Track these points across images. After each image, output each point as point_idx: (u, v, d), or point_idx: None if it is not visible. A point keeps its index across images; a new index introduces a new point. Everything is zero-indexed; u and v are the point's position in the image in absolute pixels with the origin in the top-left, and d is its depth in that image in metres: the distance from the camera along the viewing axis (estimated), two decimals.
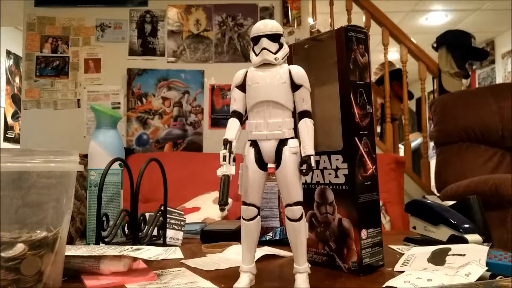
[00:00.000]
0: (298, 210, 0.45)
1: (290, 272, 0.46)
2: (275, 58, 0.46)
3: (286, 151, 0.45)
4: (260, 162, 0.47)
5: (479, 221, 0.65)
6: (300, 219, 0.45)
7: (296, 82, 0.46)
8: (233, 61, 2.45)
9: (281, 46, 0.47)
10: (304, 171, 0.45)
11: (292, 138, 0.46)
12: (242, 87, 0.48)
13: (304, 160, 0.45)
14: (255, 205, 0.47)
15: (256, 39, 0.47)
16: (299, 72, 0.47)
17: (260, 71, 0.47)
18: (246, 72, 0.48)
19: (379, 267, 0.54)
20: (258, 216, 0.47)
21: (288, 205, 0.45)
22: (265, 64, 0.47)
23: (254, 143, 0.47)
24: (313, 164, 0.45)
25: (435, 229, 0.67)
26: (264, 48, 0.46)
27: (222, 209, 0.42)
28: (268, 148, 0.46)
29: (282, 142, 0.46)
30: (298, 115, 0.47)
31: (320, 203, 0.56)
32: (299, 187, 0.46)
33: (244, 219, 0.47)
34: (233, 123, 0.47)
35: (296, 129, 0.47)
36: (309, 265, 0.46)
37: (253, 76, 0.47)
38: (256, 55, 0.47)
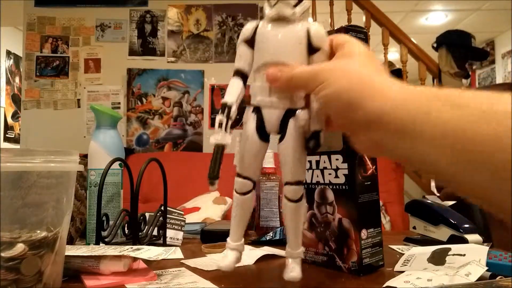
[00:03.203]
0: (299, 190, 0.41)
1: None
2: (294, 13, 0.39)
3: (292, 122, 0.40)
4: (262, 131, 0.41)
5: (479, 221, 0.65)
6: (300, 199, 0.41)
7: (314, 43, 0.39)
8: (233, 61, 2.46)
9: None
10: (311, 147, 0.39)
11: (302, 108, 0.40)
12: (250, 42, 0.41)
13: (313, 135, 0.39)
14: (251, 179, 0.42)
15: None
16: (318, 32, 0.39)
17: (274, 27, 0.40)
18: (257, 26, 0.41)
19: (379, 267, 0.54)
20: (253, 190, 0.42)
21: (289, 183, 0.41)
22: (281, 19, 0.39)
23: (257, 110, 0.41)
24: (321, 141, 0.39)
25: (435, 229, 0.67)
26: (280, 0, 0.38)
27: (211, 183, 0.37)
28: (272, 116, 0.40)
29: (290, 112, 0.40)
30: None
31: (320, 203, 0.56)
32: (303, 165, 0.41)
33: (237, 192, 0.42)
34: (235, 84, 0.41)
35: (308, 100, 0.40)
36: (304, 249, 0.43)
37: (265, 32, 0.40)
38: (272, 6, 0.39)
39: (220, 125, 0.38)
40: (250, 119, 0.41)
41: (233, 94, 0.40)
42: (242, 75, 0.42)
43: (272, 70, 0.39)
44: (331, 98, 0.35)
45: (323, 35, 0.39)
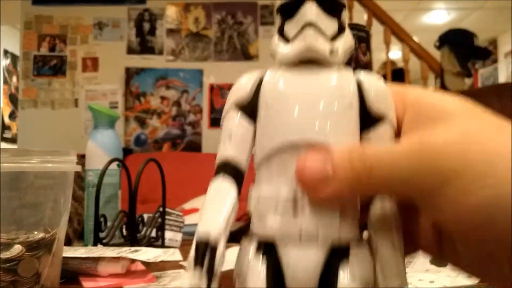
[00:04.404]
0: None
1: None
2: (332, 50, 0.21)
3: (346, 277, 0.19)
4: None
5: None
6: None
7: (374, 109, 0.21)
8: (233, 60, 2.45)
9: (342, 27, 0.22)
10: None
11: (358, 244, 0.20)
12: (249, 109, 0.22)
13: None
14: None
15: (291, 6, 0.21)
16: (380, 89, 0.21)
17: (295, 76, 0.21)
18: (262, 78, 0.22)
19: None
20: None
21: None
22: (306, 63, 0.21)
23: (268, 248, 0.20)
24: None
25: None
26: (309, 24, 0.20)
27: None
28: (302, 264, 0.19)
29: (338, 254, 0.19)
30: None
31: None
32: None
33: None
34: (221, 193, 0.20)
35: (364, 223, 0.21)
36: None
37: (280, 88, 0.21)
38: (288, 40, 0.21)
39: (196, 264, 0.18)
40: (252, 267, 0.20)
41: (215, 218, 0.19)
42: (233, 172, 0.21)
43: (311, 160, 0.19)
44: (477, 214, 0.17)
45: (387, 95, 0.21)
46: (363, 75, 0.21)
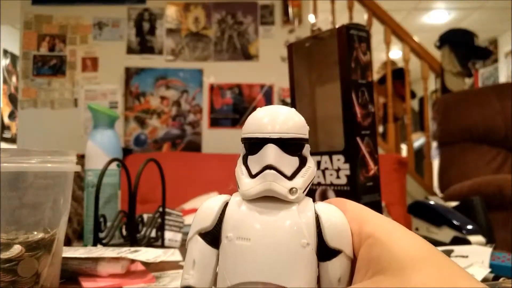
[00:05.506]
0: None
1: None
2: (292, 190, 0.22)
3: None
4: None
5: (482, 223, 0.65)
6: None
7: (330, 244, 0.22)
8: (233, 60, 2.45)
9: (303, 161, 0.23)
10: None
11: None
12: (212, 235, 0.23)
13: None
14: None
15: (255, 142, 0.23)
16: (336, 225, 0.23)
17: (257, 211, 0.22)
18: (226, 204, 0.23)
19: None
20: None
21: None
22: (267, 197, 0.23)
23: None
24: None
25: (438, 231, 0.66)
26: (269, 167, 0.22)
27: None
28: None
29: None
30: None
31: None
32: None
33: None
34: None
35: None
36: None
37: (242, 222, 0.22)
38: (252, 175, 0.23)
39: None
40: None
41: None
42: None
43: None
44: None
45: (344, 229, 0.23)
46: (321, 209, 0.23)
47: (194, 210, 1.53)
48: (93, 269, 0.49)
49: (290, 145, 0.23)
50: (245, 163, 0.24)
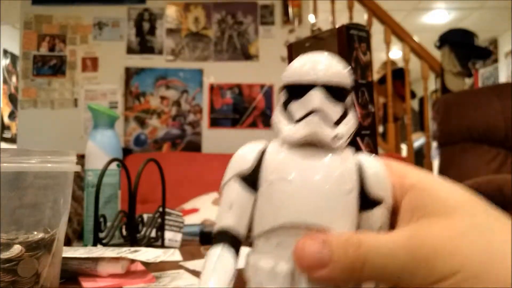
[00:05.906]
0: None
1: None
2: (335, 136, 0.22)
3: None
4: None
5: None
6: None
7: (372, 194, 0.22)
8: (233, 60, 2.45)
9: (345, 112, 0.23)
10: None
11: None
12: (250, 181, 0.22)
13: None
14: None
15: (299, 89, 0.22)
16: (379, 175, 0.22)
17: (300, 158, 0.22)
18: (264, 151, 0.23)
19: None
20: None
21: None
22: (308, 145, 0.22)
23: None
24: None
25: None
26: (315, 111, 0.22)
27: None
28: None
29: None
30: None
31: None
32: None
33: None
34: (221, 261, 0.21)
35: None
36: None
37: (283, 165, 0.22)
38: (295, 120, 0.22)
39: None
40: None
41: (217, 283, 0.21)
42: (232, 240, 0.22)
43: (310, 243, 0.20)
44: None
45: (385, 178, 0.22)
46: (363, 159, 0.23)
47: (194, 210, 1.53)
48: (93, 269, 0.49)
49: (335, 92, 0.22)
50: (284, 106, 0.23)
